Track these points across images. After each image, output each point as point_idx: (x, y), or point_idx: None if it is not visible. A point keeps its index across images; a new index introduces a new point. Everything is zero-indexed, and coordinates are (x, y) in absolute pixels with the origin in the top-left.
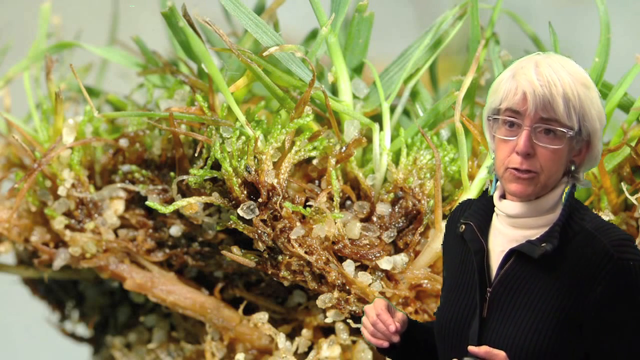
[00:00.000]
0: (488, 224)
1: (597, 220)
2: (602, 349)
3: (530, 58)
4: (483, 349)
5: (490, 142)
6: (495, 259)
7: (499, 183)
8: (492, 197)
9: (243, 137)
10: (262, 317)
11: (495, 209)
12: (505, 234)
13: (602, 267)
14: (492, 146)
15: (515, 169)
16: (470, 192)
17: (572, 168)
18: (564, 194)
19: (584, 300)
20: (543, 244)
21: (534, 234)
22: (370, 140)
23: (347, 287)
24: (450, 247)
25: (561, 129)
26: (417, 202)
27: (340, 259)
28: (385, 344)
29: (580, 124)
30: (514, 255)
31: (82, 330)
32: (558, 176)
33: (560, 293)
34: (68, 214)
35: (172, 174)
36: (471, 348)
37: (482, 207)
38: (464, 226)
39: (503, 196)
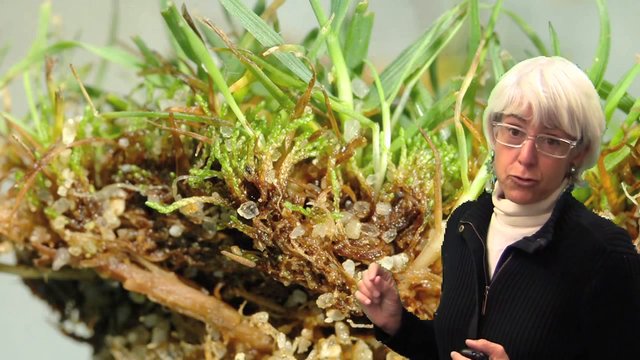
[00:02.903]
0: (487, 224)
1: (592, 217)
2: (599, 343)
3: (534, 64)
4: (480, 342)
5: (490, 142)
6: (494, 258)
7: (497, 183)
8: (490, 197)
9: (243, 137)
10: (262, 317)
11: (494, 208)
12: (504, 233)
13: (596, 261)
14: (492, 146)
15: (517, 177)
16: (470, 192)
17: (572, 170)
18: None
19: (580, 294)
20: (537, 239)
21: (532, 231)
22: (370, 140)
23: (347, 287)
24: (450, 248)
25: (564, 140)
26: (417, 202)
27: (340, 259)
28: (367, 300)
29: (582, 133)
30: (512, 252)
31: (82, 330)
32: (558, 181)
33: (557, 289)
34: (68, 214)
35: (172, 174)
36: (469, 341)
37: (481, 208)
38: (463, 226)
39: (502, 195)
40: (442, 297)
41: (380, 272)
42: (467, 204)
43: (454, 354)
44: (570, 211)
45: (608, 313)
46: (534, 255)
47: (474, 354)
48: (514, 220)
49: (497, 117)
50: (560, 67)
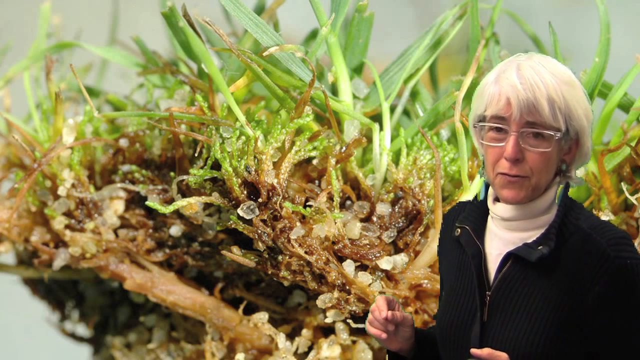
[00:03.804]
0: (484, 227)
1: (592, 219)
2: (604, 349)
3: (512, 61)
4: (486, 351)
5: (477, 145)
6: (493, 262)
7: (491, 187)
8: (486, 199)
9: (243, 137)
10: (262, 317)
11: (489, 211)
12: (502, 237)
13: (600, 266)
14: (480, 149)
15: (505, 173)
16: (470, 192)
17: (564, 167)
18: (558, 194)
19: (582, 300)
20: (540, 247)
21: (530, 236)
22: (370, 140)
23: (347, 287)
24: (447, 251)
25: (548, 132)
26: (417, 202)
27: (340, 259)
28: (383, 335)
29: (567, 123)
30: (511, 258)
31: (82, 330)
32: (549, 177)
33: (559, 294)
34: (68, 214)
35: (172, 174)
36: (474, 350)
37: (477, 210)
38: (459, 230)
39: (497, 199)
40: (442, 302)
41: (389, 303)
42: (461, 205)
43: None
44: (570, 214)
45: (612, 319)
46: (534, 261)
47: None
48: (511, 224)
49: (481, 119)
50: (538, 60)
